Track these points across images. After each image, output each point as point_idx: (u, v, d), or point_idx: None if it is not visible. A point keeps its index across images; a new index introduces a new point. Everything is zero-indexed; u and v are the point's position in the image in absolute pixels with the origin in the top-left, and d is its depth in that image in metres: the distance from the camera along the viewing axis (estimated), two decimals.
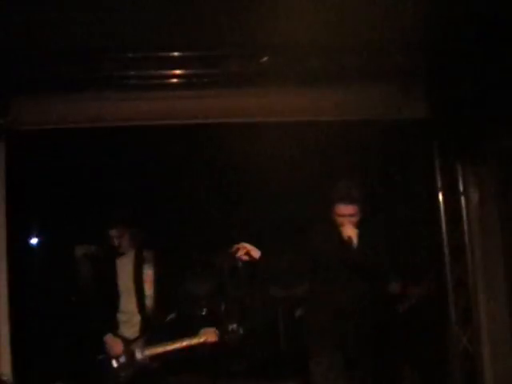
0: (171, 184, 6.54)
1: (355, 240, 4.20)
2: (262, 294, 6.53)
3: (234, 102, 5.34)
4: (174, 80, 5.32)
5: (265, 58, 5.13)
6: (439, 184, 5.56)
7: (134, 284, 4.75)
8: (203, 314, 6.17)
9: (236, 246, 4.39)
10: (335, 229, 4.30)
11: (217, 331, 4.64)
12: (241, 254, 4.37)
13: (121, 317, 4.74)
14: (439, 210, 5.56)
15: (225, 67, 5.19)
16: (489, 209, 5.49)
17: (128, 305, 4.74)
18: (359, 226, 4.28)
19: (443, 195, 5.56)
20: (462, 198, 5.52)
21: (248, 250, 4.36)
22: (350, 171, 5.25)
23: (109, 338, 4.63)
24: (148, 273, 4.79)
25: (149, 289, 4.76)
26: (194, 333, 4.66)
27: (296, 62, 5.09)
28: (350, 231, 4.21)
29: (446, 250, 5.53)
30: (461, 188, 5.53)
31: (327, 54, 5.13)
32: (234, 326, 4.67)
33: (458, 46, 4.97)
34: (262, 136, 5.50)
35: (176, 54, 5.22)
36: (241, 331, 4.66)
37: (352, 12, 4.58)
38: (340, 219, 4.27)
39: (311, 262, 4.41)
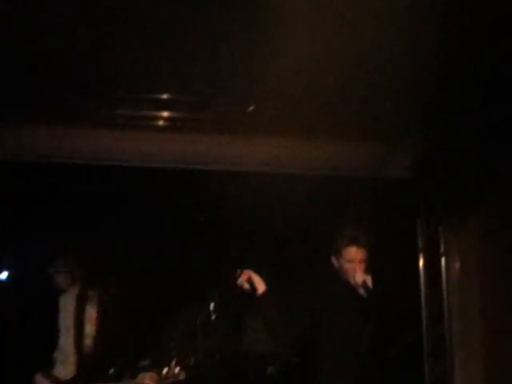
0: (142, 226, 6.37)
1: (370, 284, 3.91)
2: (236, 344, 6.30)
3: (219, 148, 5.32)
4: (161, 122, 5.30)
5: (252, 107, 5.10)
6: (420, 245, 5.54)
7: (74, 322, 4.61)
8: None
9: (239, 270, 4.02)
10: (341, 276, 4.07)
11: (155, 376, 4.41)
12: (243, 280, 3.97)
13: (57, 355, 4.59)
14: (419, 272, 5.51)
15: (211, 113, 5.17)
16: (469, 273, 5.43)
17: (66, 343, 4.60)
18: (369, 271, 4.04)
19: (424, 257, 5.51)
20: (443, 261, 5.47)
21: (252, 279, 3.99)
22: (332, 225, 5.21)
23: (38, 378, 4.48)
24: (91, 312, 4.66)
25: (90, 328, 4.62)
26: (132, 376, 4.49)
27: (282, 114, 5.08)
28: (363, 276, 3.92)
29: (425, 313, 5.47)
30: (442, 250, 5.48)
31: (314, 106, 5.13)
32: (177, 370, 4.42)
33: (444, 108, 5.00)
34: (245, 184, 5.47)
35: (164, 96, 5.19)
36: (183, 376, 4.39)
37: (340, 69, 4.60)
38: (350, 265, 3.99)
39: (316, 309, 4.07)
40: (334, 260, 4.13)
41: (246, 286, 3.94)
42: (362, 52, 4.41)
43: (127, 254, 6.16)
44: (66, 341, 4.55)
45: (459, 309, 5.41)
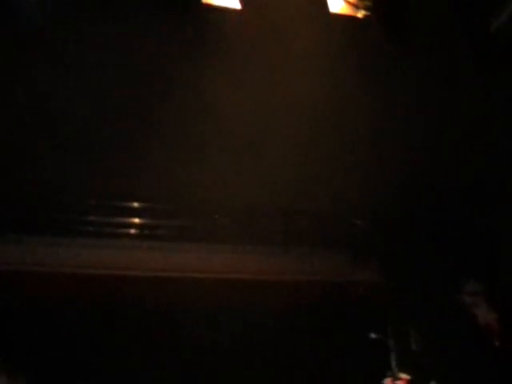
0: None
1: None
2: None
3: (183, 256, 5.36)
4: (128, 230, 5.38)
5: (216, 216, 5.21)
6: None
7: None
8: None
9: None
10: None
11: None
12: None
13: None
14: None
15: (177, 221, 5.27)
16: None
17: None
18: None
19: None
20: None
21: None
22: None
23: None
24: None
25: None
26: None
27: (249, 223, 5.18)
28: None
29: None
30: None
31: (282, 216, 5.24)
32: None
33: (410, 217, 5.13)
34: (212, 292, 5.47)
35: (135, 204, 5.30)
36: None
37: (308, 179, 4.74)
38: None
39: None
40: None
41: None
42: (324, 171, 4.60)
43: None
44: None
45: None
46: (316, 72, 4.06)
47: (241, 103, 4.45)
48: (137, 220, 5.43)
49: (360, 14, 3.80)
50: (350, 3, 3.81)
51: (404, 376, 2.86)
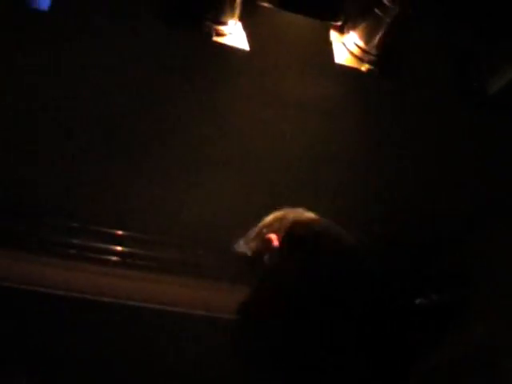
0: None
1: None
2: None
3: (166, 288, 5.34)
4: (109, 257, 5.35)
5: (200, 251, 5.22)
6: None
7: None
8: None
9: None
10: None
11: None
12: None
13: None
14: None
15: (161, 253, 5.26)
16: None
17: None
18: None
19: None
20: None
21: None
22: None
23: None
24: None
25: None
26: None
27: (231, 259, 5.18)
28: None
29: None
30: None
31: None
32: None
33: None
34: (192, 328, 5.45)
35: (115, 231, 5.28)
36: None
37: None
38: None
39: None
40: None
41: None
42: None
43: None
44: None
45: None
46: (316, 119, 4.14)
47: (233, 143, 4.49)
48: (119, 248, 5.41)
49: (364, 68, 3.89)
50: (354, 55, 3.89)
51: None
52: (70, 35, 3.83)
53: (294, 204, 4.61)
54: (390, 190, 4.88)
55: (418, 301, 4.79)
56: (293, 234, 2.73)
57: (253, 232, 2.88)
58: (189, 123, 4.48)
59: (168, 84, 4.16)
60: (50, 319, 5.55)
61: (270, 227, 2.82)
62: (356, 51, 3.85)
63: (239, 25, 3.79)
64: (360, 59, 3.87)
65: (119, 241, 5.40)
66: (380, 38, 3.84)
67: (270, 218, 3.03)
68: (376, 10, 3.84)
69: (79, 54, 4.01)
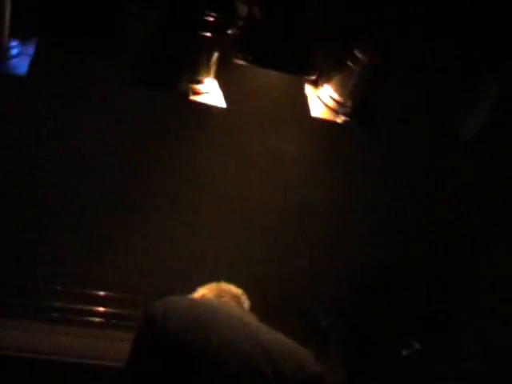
0: None
1: None
2: None
3: None
4: (96, 318, 5.29)
5: None
6: None
7: None
8: None
9: None
10: None
11: None
12: None
13: None
14: None
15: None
16: None
17: None
18: None
19: None
20: None
21: None
22: None
23: None
24: None
25: None
26: None
27: None
28: None
29: None
30: None
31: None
32: None
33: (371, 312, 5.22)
34: None
35: (100, 292, 5.24)
36: None
37: (266, 273, 4.78)
38: None
39: None
40: None
41: None
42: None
43: None
44: None
45: None
46: (291, 171, 4.17)
47: (214, 200, 4.51)
48: (102, 309, 5.36)
49: (339, 120, 3.94)
50: (330, 108, 3.95)
51: None
52: (47, 101, 3.84)
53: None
54: (368, 237, 4.89)
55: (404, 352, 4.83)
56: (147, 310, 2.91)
57: None
58: (168, 184, 4.47)
59: (146, 146, 4.17)
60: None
61: None
62: (331, 104, 3.90)
63: (215, 83, 3.83)
64: (335, 111, 3.92)
65: (102, 302, 5.36)
66: (353, 89, 3.88)
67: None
68: (348, 62, 3.90)
69: (57, 119, 4.01)
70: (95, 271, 5.10)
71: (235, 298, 3.11)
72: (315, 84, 4.01)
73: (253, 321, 2.83)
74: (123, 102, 3.81)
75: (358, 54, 3.84)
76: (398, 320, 5.45)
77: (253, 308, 3.13)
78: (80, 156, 4.15)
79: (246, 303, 3.16)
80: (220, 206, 4.60)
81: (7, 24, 3.22)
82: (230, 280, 5.10)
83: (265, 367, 2.52)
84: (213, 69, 3.80)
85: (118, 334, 5.34)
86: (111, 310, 5.33)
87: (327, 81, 3.99)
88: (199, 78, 3.78)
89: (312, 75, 3.95)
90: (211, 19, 3.56)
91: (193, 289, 5.14)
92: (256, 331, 2.70)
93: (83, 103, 3.92)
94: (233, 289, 3.18)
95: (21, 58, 3.44)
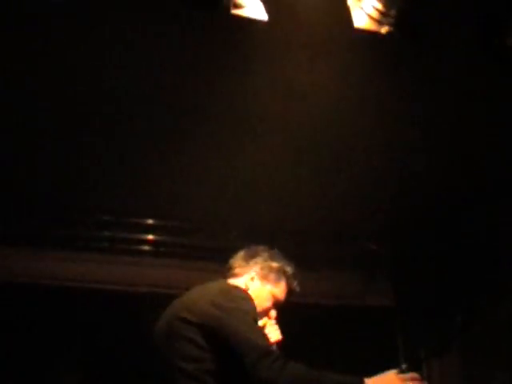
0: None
1: None
2: None
3: (200, 275, 5.33)
4: (143, 247, 5.39)
5: (233, 234, 5.24)
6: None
7: None
8: None
9: None
10: None
11: None
12: None
13: None
14: None
15: (194, 239, 5.29)
16: None
17: None
18: None
19: None
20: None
21: None
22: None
23: None
24: None
25: None
26: None
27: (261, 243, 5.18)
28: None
29: None
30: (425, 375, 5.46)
31: (293, 237, 5.25)
32: None
33: (421, 237, 5.16)
34: None
35: (148, 221, 5.32)
36: None
37: (317, 199, 4.76)
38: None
39: None
40: None
41: None
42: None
43: None
44: None
45: None
46: (338, 86, 4.08)
47: (257, 118, 4.45)
48: (151, 237, 5.45)
49: (383, 30, 3.85)
50: (373, 19, 3.86)
51: None
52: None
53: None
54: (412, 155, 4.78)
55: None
56: None
57: None
58: (214, 113, 4.43)
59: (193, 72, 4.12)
60: (90, 313, 5.61)
61: None
62: (375, 14, 3.82)
63: None
64: (379, 22, 3.83)
65: (151, 230, 5.44)
66: None
67: None
68: None
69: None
70: (143, 200, 5.16)
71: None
72: None
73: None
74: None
75: None
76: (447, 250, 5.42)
77: None
78: (124, 83, 4.12)
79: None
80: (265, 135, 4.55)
81: None
82: (280, 210, 5.11)
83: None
84: None
85: (166, 261, 5.46)
86: (160, 238, 5.43)
87: None
88: None
89: None
90: None
91: (242, 215, 5.16)
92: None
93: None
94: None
95: None
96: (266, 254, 3.10)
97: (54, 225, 5.29)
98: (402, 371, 2.64)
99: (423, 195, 5.07)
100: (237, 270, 3.05)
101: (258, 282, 2.99)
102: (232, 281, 2.97)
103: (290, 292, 3.05)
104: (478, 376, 5.27)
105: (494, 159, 4.74)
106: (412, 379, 2.46)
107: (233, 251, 5.33)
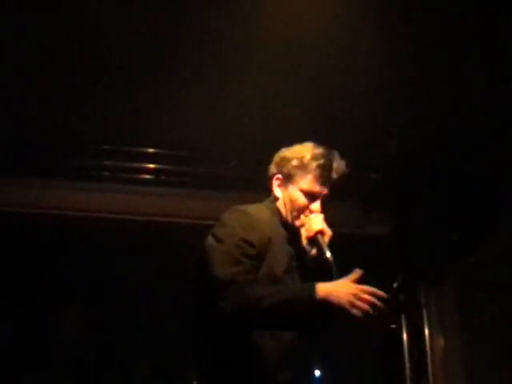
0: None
1: None
2: None
3: (201, 203, 5.36)
4: (144, 176, 5.39)
5: (233, 163, 5.22)
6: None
7: None
8: None
9: None
10: None
11: None
12: None
13: None
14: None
15: (195, 168, 5.28)
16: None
17: None
18: None
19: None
20: (424, 312, 5.51)
21: None
22: None
23: None
24: None
25: None
26: None
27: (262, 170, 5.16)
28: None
29: None
30: (422, 303, 5.55)
31: None
32: None
33: (421, 170, 5.15)
34: None
35: (150, 149, 5.29)
36: None
37: (319, 131, 4.72)
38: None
39: None
40: None
41: None
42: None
43: None
44: None
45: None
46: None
47: (261, 50, 4.39)
48: (151, 165, 5.42)
49: None
50: None
51: None
52: None
53: None
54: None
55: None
56: None
57: None
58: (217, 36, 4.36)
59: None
60: (90, 241, 5.65)
61: None
62: None
63: None
64: None
65: (151, 159, 5.41)
66: None
67: None
68: None
69: None
70: (144, 129, 5.12)
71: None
72: None
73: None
74: None
75: None
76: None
77: None
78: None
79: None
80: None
81: None
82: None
83: None
84: None
85: (167, 190, 5.45)
86: (160, 167, 5.40)
87: None
88: None
89: None
90: None
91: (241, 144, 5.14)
92: None
93: None
94: None
95: None
96: (277, 158, 2.97)
97: (54, 155, 5.25)
98: (392, 290, 2.63)
99: (423, 126, 5.02)
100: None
101: (278, 190, 2.89)
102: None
103: (328, 175, 2.93)
104: (470, 307, 5.37)
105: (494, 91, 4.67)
106: (372, 293, 2.30)
107: (232, 180, 5.39)
